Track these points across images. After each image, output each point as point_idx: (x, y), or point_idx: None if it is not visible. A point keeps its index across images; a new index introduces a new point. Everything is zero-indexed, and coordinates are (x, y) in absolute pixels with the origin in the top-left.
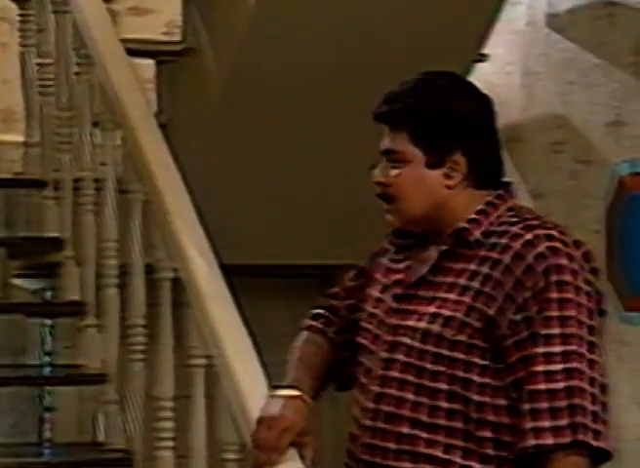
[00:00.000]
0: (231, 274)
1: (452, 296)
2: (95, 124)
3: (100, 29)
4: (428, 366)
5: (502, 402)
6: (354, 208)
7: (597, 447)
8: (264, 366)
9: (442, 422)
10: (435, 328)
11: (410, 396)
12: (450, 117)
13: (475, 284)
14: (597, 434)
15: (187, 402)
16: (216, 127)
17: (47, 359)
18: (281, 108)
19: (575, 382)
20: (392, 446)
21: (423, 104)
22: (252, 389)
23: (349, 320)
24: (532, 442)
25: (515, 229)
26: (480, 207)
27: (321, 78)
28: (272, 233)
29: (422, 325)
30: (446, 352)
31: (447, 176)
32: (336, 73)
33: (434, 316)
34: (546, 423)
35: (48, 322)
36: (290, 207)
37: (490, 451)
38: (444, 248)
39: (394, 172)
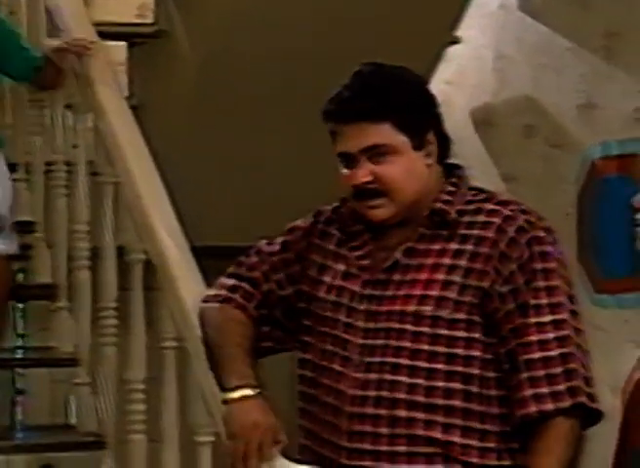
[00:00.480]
0: (202, 256)
1: (439, 277)
2: (67, 106)
3: (72, 11)
4: (425, 347)
5: (492, 374)
6: (327, 193)
7: (593, 409)
8: None
9: (440, 402)
10: (427, 309)
11: (404, 378)
12: (424, 99)
13: (462, 262)
14: (591, 397)
15: (159, 385)
16: (189, 110)
17: (19, 341)
18: (256, 92)
19: (567, 349)
20: (385, 430)
21: (404, 92)
22: None
23: (277, 295)
24: (533, 408)
25: (490, 206)
26: (448, 188)
27: (298, 62)
28: (243, 216)
29: (412, 308)
30: (444, 331)
31: (427, 156)
32: (313, 58)
33: (423, 298)
34: (545, 389)
35: (20, 305)
36: (262, 190)
37: (489, 427)
38: (421, 230)
39: (384, 165)
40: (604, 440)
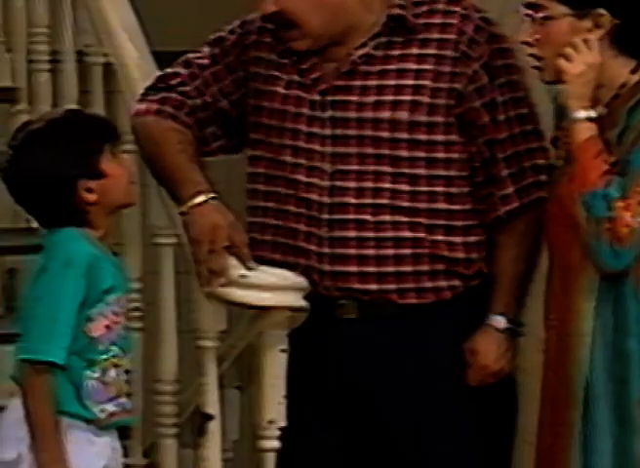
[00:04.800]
0: (162, 61)
1: (408, 82)
2: None
3: None
4: (404, 154)
5: (465, 173)
6: None
7: None
8: None
9: (423, 206)
10: (403, 115)
11: (387, 185)
12: None
13: (429, 66)
14: None
15: None
16: None
17: None
18: None
19: (533, 144)
20: (371, 234)
21: None
22: None
23: (214, 108)
24: (516, 204)
25: (442, 6)
26: None
27: None
28: (204, 20)
29: (387, 114)
30: (423, 136)
31: None
32: None
33: (396, 104)
34: (525, 182)
35: None
36: None
37: (470, 222)
38: (378, 38)
39: None
40: None
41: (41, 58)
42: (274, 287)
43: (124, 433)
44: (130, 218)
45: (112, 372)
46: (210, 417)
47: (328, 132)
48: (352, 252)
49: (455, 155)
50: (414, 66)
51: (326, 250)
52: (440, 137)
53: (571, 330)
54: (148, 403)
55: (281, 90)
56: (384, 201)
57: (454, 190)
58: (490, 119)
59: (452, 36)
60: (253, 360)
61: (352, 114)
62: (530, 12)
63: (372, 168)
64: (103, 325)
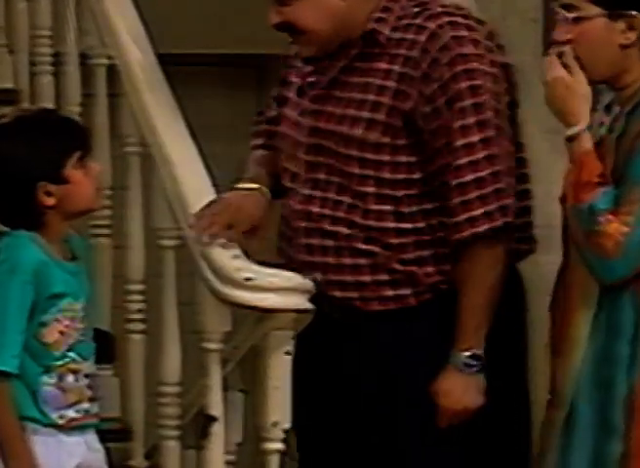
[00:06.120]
0: (166, 63)
1: (370, 97)
2: None
3: None
4: (356, 171)
5: (417, 192)
6: None
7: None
8: (202, 154)
9: (373, 224)
10: (357, 132)
11: (346, 198)
12: None
13: (391, 83)
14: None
15: (124, 190)
16: None
17: None
18: None
19: (497, 167)
20: (332, 243)
21: None
22: (188, 175)
23: None
24: (468, 231)
25: (419, 21)
26: (384, 4)
27: None
28: (208, 23)
29: (344, 129)
30: (371, 156)
31: None
32: None
33: (354, 119)
34: (479, 211)
35: None
36: None
37: (422, 237)
38: (354, 50)
39: (292, 7)
40: None
41: (43, 59)
42: (279, 289)
43: (126, 435)
44: (133, 220)
45: (70, 378)
46: (213, 419)
47: (305, 140)
48: (317, 259)
49: (401, 176)
50: (378, 82)
51: (301, 256)
52: (387, 158)
53: (567, 335)
54: (151, 404)
55: (290, 94)
56: (341, 214)
57: (404, 209)
58: (445, 143)
59: (416, 54)
60: (257, 362)
61: (322, 125)
62: (563, 12)
63: (337, 179)
64: (57, 330)
